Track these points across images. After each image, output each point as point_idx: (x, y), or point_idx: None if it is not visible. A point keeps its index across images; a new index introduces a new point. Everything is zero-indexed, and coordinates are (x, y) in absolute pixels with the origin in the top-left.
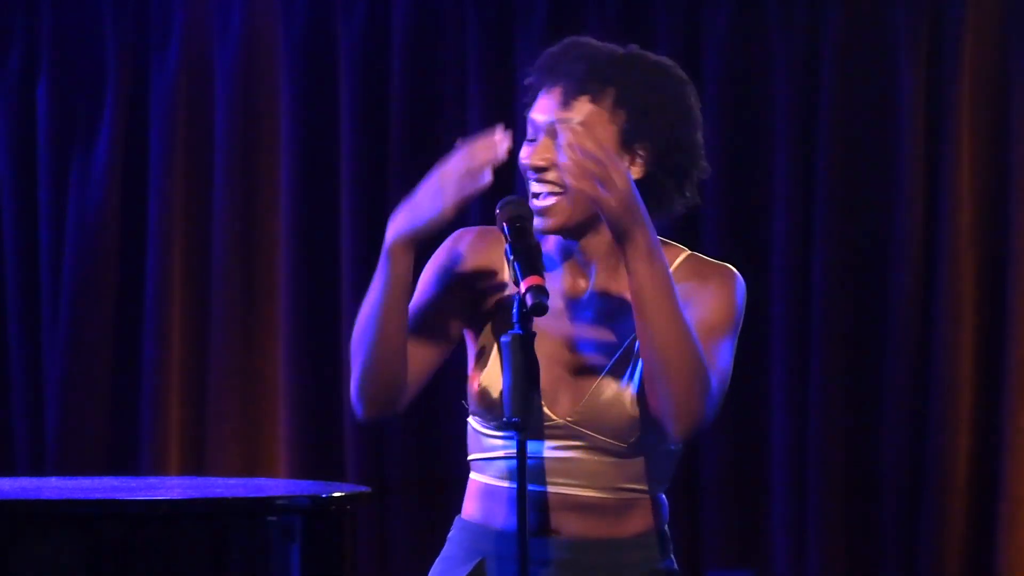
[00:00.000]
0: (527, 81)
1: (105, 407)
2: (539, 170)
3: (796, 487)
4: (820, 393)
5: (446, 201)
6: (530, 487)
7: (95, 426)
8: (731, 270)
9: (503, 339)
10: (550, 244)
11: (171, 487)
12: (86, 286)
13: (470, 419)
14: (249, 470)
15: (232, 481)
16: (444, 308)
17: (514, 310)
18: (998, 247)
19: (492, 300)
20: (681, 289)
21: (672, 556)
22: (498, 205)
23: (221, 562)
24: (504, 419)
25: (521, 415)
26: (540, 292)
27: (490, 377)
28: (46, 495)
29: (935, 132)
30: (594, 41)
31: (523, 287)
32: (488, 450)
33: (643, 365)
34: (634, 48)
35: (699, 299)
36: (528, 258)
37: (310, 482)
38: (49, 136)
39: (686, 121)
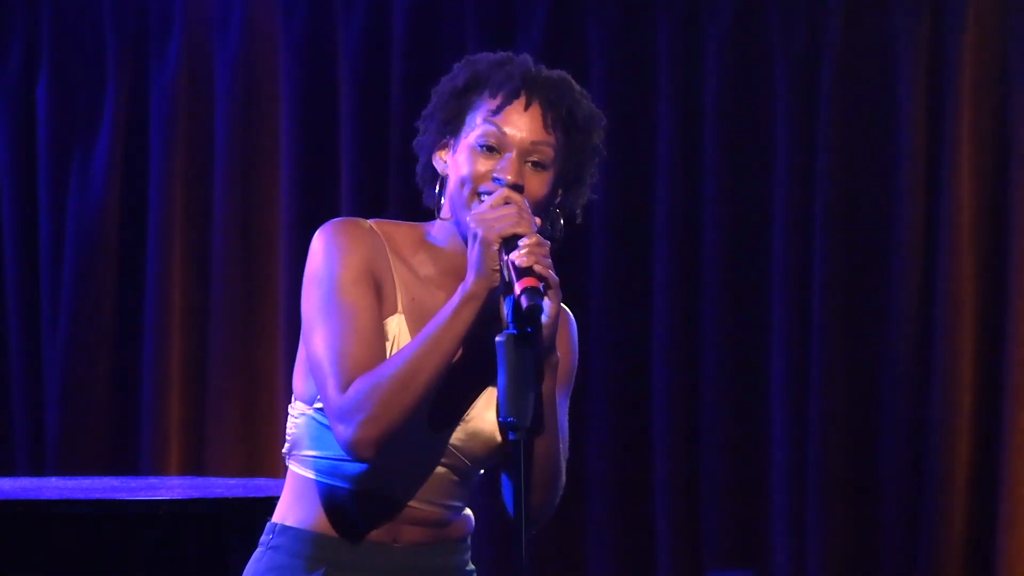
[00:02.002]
0: (474, 75)
1: (105, 407)
2: (515, 188)
3: (796, 487)
4: (820, 393)
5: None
6: (376, 493)
7: (95, 426)
8: (569, 314)
9: (498, 339)
10: (466, 252)
11: (171, 487)
12: (86, 286)
13: (311, 412)
14: (249, 470)
15: (232, 481)
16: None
17: (508, 311)
18: (998, 247)
19: (385, 293)
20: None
21: None
22: None
23: (221, 562)
24: (499, 420)
25: (516, 416)
26: (535, 294)
27: None
28: (46, 495)
29: (935, 132)
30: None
31: (518, 288)
32: (339, 450)
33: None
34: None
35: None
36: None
37: None
38: (49, 136)
39: (596, 169)
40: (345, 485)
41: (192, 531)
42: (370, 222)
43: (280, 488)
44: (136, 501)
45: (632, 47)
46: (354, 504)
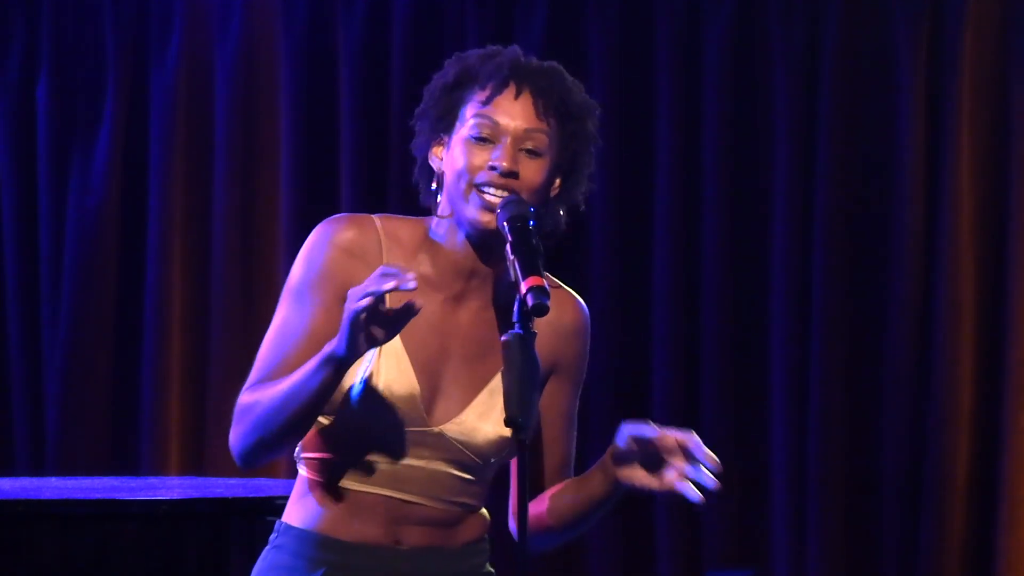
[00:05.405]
0: (464, 70)
1: (105, 407)
2: (509, 175)
3: (796, 487)
4: (820, 393)
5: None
6: (378, 492)
7: (95, 426)
8: (581, 305)
9: (503, 338)
10: (467, 249)
11: (171, 487)
12: (86, 286)
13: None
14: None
15: (232, 481)
16: (336, 323)
17: (515, 310)
18: (998, 247)
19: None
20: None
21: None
22: (499, 204)
23: (221, 561)
24: (505, 419)
25: (522, 416)
26: (541, 292)
27: (389, 375)
28: (46, 495)
29: (935, 132)
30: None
31: (524, 287)
32: (340, 450)
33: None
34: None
35: (564, 349)
36: (530, 258)
37: None
38: (49, 136)
39: (593, 157)
40: (345, 485)
41: (192, 531)
42: (376, 217)
43: (280, 488)
44: (136, 501)
45: (632, 47)
46: (355, 505)
